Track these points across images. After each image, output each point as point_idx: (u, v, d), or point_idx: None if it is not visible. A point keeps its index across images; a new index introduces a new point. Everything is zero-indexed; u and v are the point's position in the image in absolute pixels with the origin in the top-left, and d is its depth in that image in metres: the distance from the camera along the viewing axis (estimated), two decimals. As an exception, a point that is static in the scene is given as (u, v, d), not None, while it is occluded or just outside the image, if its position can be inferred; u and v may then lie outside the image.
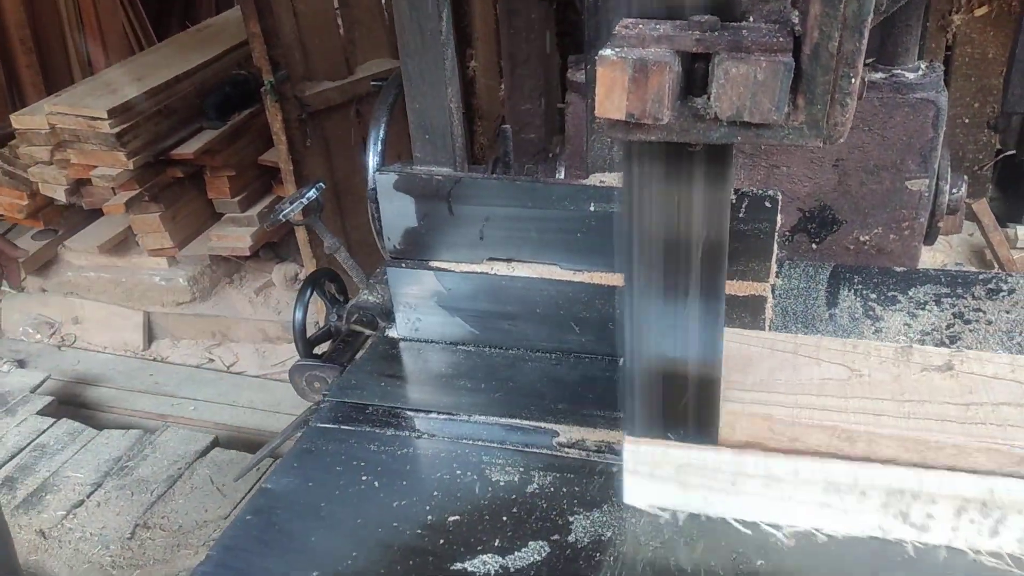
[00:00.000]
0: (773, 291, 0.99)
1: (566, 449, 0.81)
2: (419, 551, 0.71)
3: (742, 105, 0.54)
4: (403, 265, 0.96)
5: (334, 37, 2.67)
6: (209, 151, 2.80)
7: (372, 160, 1.33)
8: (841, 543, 0.65)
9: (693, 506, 0.68)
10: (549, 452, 0.81)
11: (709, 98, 0.56)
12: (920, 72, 1.08)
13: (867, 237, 1.10)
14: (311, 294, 1.16)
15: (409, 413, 0.89)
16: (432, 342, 0.99)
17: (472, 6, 2.28)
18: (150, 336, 3.15)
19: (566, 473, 0.78)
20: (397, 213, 0.92)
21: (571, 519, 0.72)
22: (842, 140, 0.57)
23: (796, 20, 0.56)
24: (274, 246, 3.21)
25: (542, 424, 0.84)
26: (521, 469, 0.79)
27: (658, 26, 0.56)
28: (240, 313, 3.11)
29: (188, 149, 2.76)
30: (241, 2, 2.40)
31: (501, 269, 0.92)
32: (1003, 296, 0.95)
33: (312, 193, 1.09)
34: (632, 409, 0.74)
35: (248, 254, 2.98)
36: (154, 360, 3.08)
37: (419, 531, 0.73)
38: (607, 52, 0.55)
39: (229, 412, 2.72)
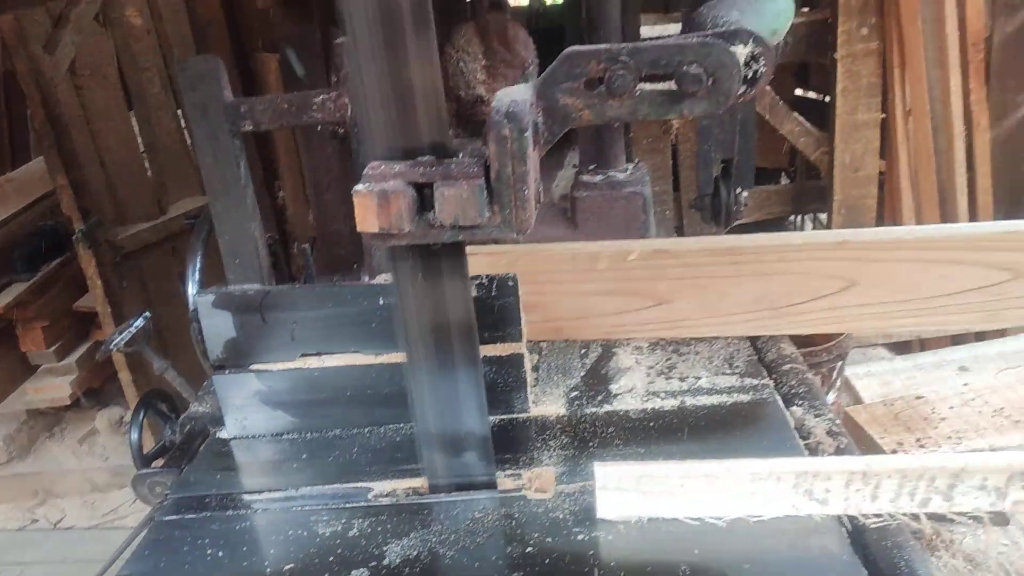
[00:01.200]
0: (539, 351, 1.24)
1: (380, 499, 0.99)
2: (263, 595, 0.86)
3: (458, 215, 0.79)
4: (227, 372, 1.12)
5: (143, 180, 2.79)
6: (20, 303, 2.79)
7: (192, 288, 1.49)
8: (766, 523, 0.87)
9: (653, 511, 0.88)
10: (366, 503, 0.98)
11: (435, 212, 0.80)
12: (628, 172, 1.41)
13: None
14: (143, 414, 1.28)
15: (245, 496, 1.04)
16: (259, 436, 1.15)
17: (276, 144, 2.50)
18: (-37, 505, 2.97)
19: (380, 516, 0.96)
20: (217, 328, 1.09)
21: (385, 548, 0.90)
22: (530, 230, 0.82)
23: (485, 154, 0.82)
24: (95, 392, 3.17)
25: (359, 484, 1.02)
26: (343, 520, 0.96)
27: (395, 166, 0.80)
28: (64, 466, 3.02)
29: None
30: (46, 157, 2.49)
31: (313, 363, 1.11)
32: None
33: (140, 322, 1.23)
34: (431, 461, 0.95)
35: (69, 403, 2.93)
36: (-31, 531, 2.90)
37: (262, 579, 0.88)
38: (360, 187, 0.78)
39: (62, 569, 2.62)
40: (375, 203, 0.78)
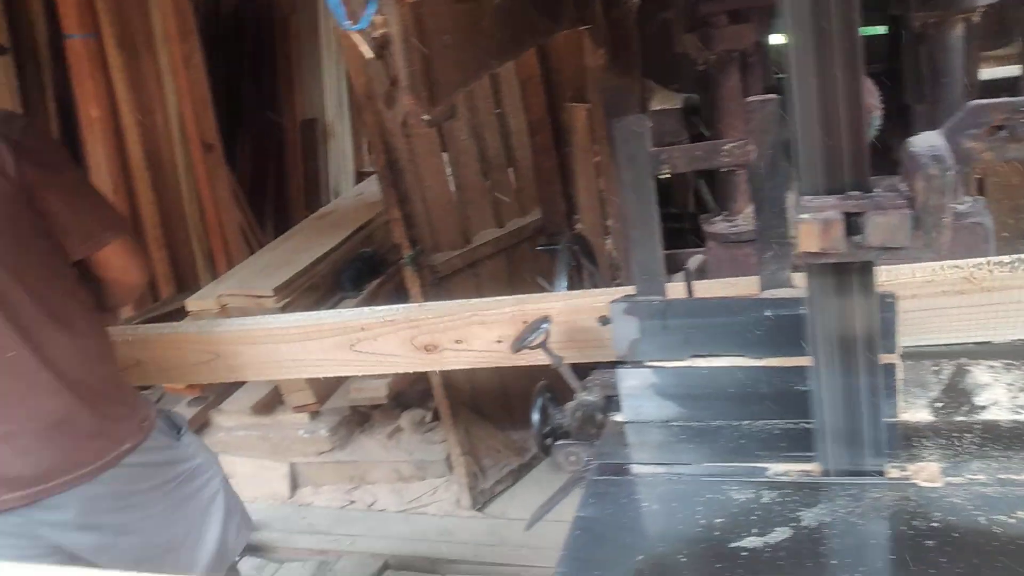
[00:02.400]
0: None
1: (779, 477, 1.19)
2: (703, 539, 1.08)
3: (886, 239, 0.98)
4: (628, 366, 1.37)
5: (452, 214, 3.22)
6: (352, 316, 3.31)
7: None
8: None
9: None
10: (767, 479, 1.19)
11: (864, 235, 1.00)
12: (968, 204, 1.53)
13: (948, 324, 1.50)
14: (540, 402, 1.57)
15: (653, 467, 1.28)
16: (650, 422, 1.39)
17: (576, 181, 2.81)
18: (294, 485, 3.53)
19: (784, 490, 1.15)
20: (625, 330, 1.35)
21: (799, 514, 1.10)
22: (944, 252, 0.99)
23: (904, 189, 1.01)
24: (400, 395, 3.63)
25: (754, 464, 1.23)
26: (752, 491, 1.17)
27: (828, 199, 1.01)
28: (374, 457, 3.49)
29: (337, 316, 3.27)
30: (384, 194, 2.97)
31: (701, 363, 1.34)
32: None
33: (546, 325, 1.53)
34: (827, 450, 1.15)
35: (385, 402, 3.41)
36: (300, 506, 3.45)
37: (698, 529, 1.10)
38: (805, 216, 0.99)
39: (382, 543, 3.06)
40: (818, 229, 0.99)
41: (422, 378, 3.65)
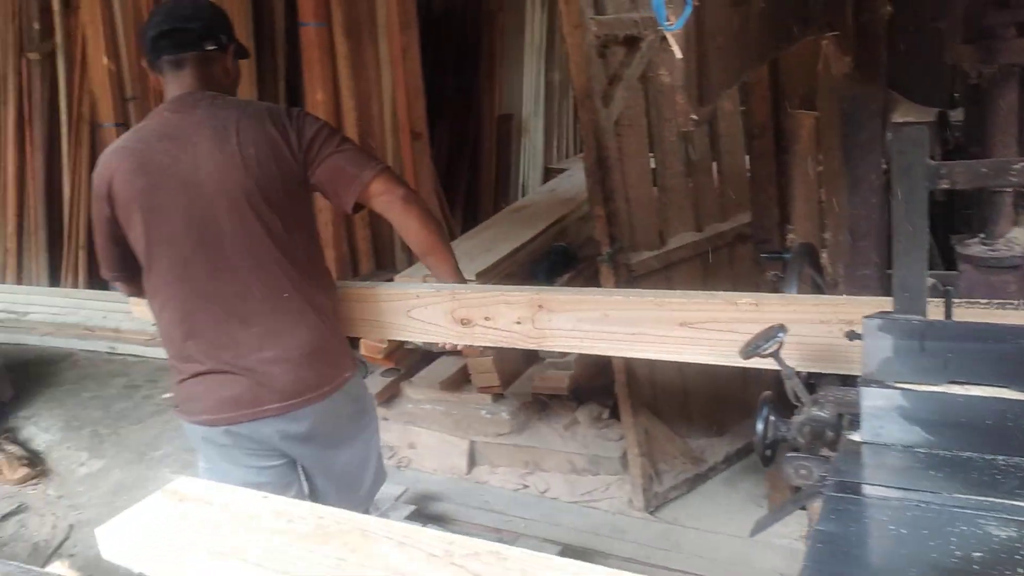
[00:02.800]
0: None
1: (1046, 518, 1.12)
2: (962, 572, 1.04)
3: None
4: (874, 386, 1.34)
5: (652, 217, 3.22)
6: (544, 307, 3.40)
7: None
8: None
9: None
10: (1031, 519, 1.12)
11: None
12: None
13: None
14: (767, 413, 1.55)
15: (895, 490, 1.24)
16: (892, 445, 1.34)
17: (794, 193, 2.73)
18: (472, 462, 3.67)
19: (1052, 532, 1.09)
20: (876, 348, 1.31)
21: (1073, 560, 1.03)
22: None
23: None
24: (578, 389, 3.68)
25: (1016, 503, 1.16)
26: (1014, 529, 1.11)
27: None
28: (550, 445, 3.57)
29: (531, 305, 3.37)
30: (590, 191, 3.02)
31: (958, 390, 1.28)
32: None
33: (782, 335, 1.51)
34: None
35: (566, 393, 3.47)
36: (477, 483, 3.58)
37: (954, 561, 1.06)
38: None
39: (555, 531, 3.12)
40: None
41: (602, 373, 3.69)
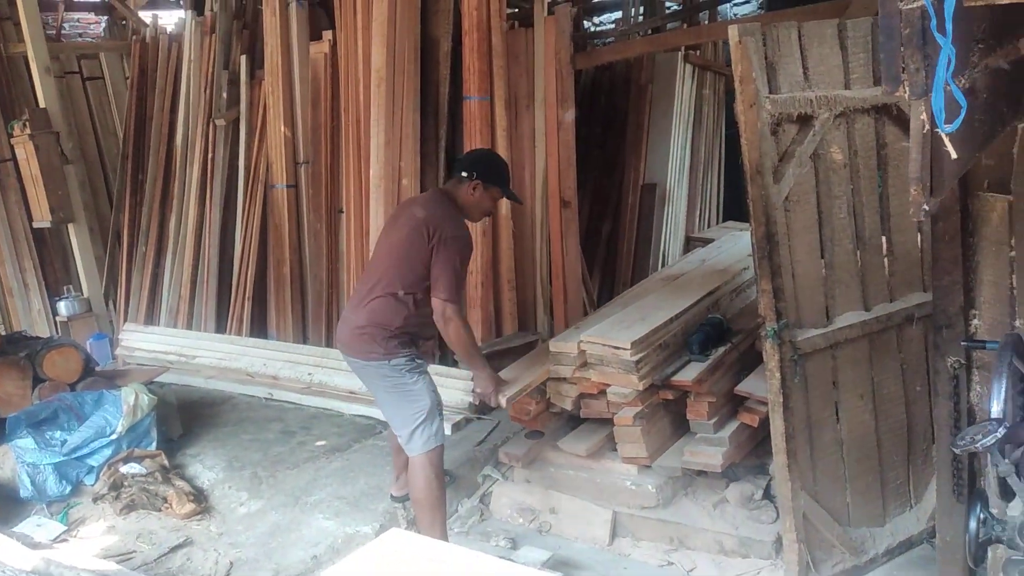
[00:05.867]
0: None
1: None
2: None
3: None
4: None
5: (819, 293, 3.16)
6: (699, 379, 3.37)
7: (996, 407, 1.68)
8: None
9: None
10: None
11: None
12: None
13: None
14: (980, 507, 1.49)
15: None
16: None
17: (980, 251, 2.62)
18: (614, 533, 3.63)
19: None
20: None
21: None
22: None
23: None
24: (731, 467, 3.59)
25: None
26: None
27: None
28: (697, 523, 3.48)
29: (686, 377, 3.36)
30: (758, 265, 3.01)
31: None
32: None
33: (1001, 430, 1.46)
34: None
35: (719, 470, 3.40)
36: (620, 555, 3.53)
37: None
38: None
39: (706, 613, 3.02)
40: None
41: (755, 452, 3.60)
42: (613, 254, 6.27)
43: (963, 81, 1.36)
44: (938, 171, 1.29)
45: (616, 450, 3.63)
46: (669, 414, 3.64)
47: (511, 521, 3.80)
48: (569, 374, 3.54)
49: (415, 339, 3.29)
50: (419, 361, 3.28)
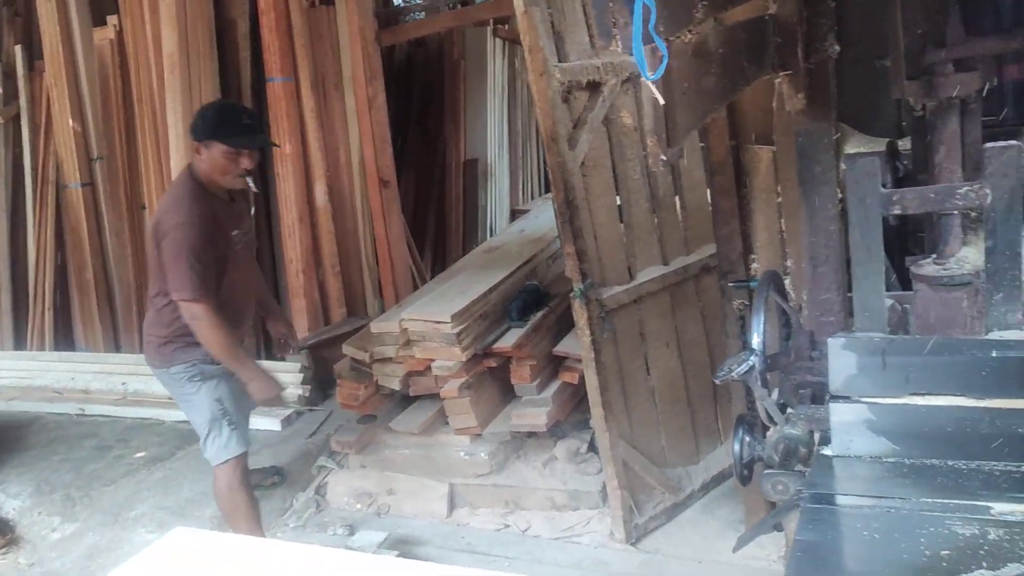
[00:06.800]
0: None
1: (1005, 516, 1.20)
2: (931, 569, 1.11)
3: None
4: (842, 402, 1.41)
5: (621, 252, 3.32)
6: (519, 345, 3.46)
7: (756, 338, 1.83)
8: None
9: None
10: (992, 517, 1.20)
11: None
12: None
13: None
14: (742, 432, 1.62)
15: (867, 498, 1.31)
16: (860, 457, 1.42)
17: (755, 225, 2.85)
18: (452, 504, 3.67)
19: (1013, 528, 1.16)
20: (842, 365, 1.39)
21: (1033, 553, 1.11)
22: None
23: None
24: (556, 425, 3.72)
25: (976, 503, 1.24)
26: (977, 527, 1.18)
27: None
28: (530, 483, 3.59)
29: (507, 344, 3.43)
30: (561, 230, 3.11)
31: (919, 401, 1.36)
32: None
33: (753, 359, 1.59)
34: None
35: (544, 430, 3.51)
36: (458, 526, 3.58)
37: (924, 560, 1.13)
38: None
39: (539, 569, 3.14)
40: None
41: (578, 409, 3.74)
42: (442, 231, 6.28)
43: (688, 36, 1.45)
44: (672, 123, 1.38)
45: (448, 423, 3.66)
46: (496, 382, 3.70)
47: (348, 508, 3.76)
48: (394, 354, 3.53)
49: (197, 343, 2.92)
50: (205, 367, 2.96)
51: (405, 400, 3.85)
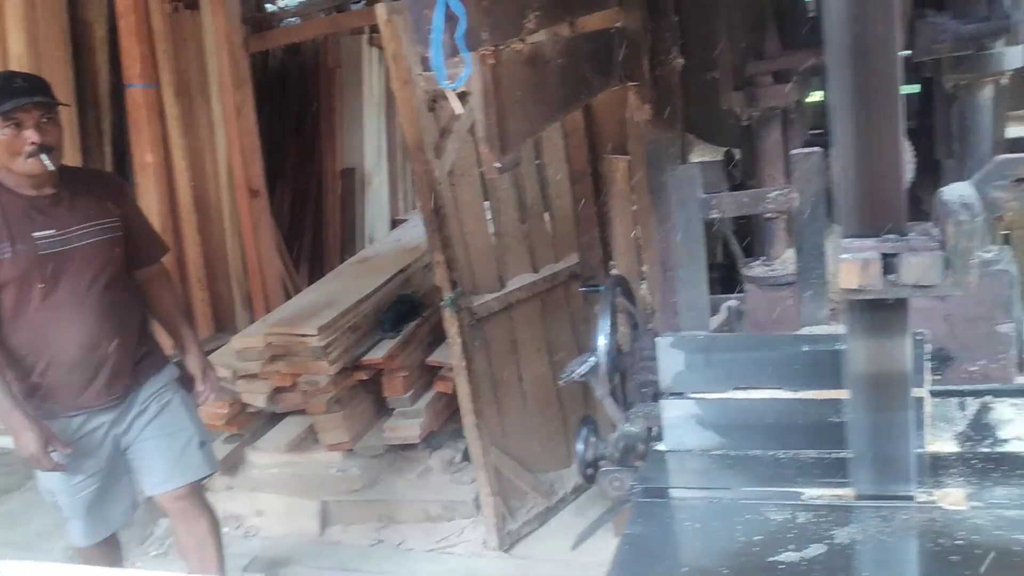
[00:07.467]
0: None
1: (813, 500, 1.27)
2: (744, 554, 1.16)
3: (919, 276, 1.08)
4: (671, 398, 1.46)
5: (491, 260, 3.34)
6: (390, 356, 3.42)
7: (603, 340, 1.87)
8: None
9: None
10: (803, 502, 1.26)
11: (898, 274, 1.09)
12: (994, 252, 1.62)
13: (975, 368, 1.58)
14: (585, 432, 1.65)
15: (694, 490, 1.36)
16: (691, 451, 1.47)
17: (614, 228, 2.93)
18: (324, 522, 3.59)
19: (820, 511, 1.23)
20: (670, 362, 1.44)
21: (833, 532, 1.18)
22: (972, 290, 1.08)
23: (936, 233, 1.11)
24: (431, 436, 3.70)
25: (790, 489, 1.31)
26: (788, 512, 1.24)
27: (867, 240, 1.11)
28: (404, 496, 3.55)
29: (377, 355, 3.38)
30: (429, 239, 3.10)
31: (742, 395, 1.42)
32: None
33: (593, 359, 1.62)
34: (860, 475, 1.23)
35: (417, 442, 3.48)
36: (330, 544, 3.50)
37: (738, 545, 1.18)
38: (846, 255, 1.09)
39: (411, 581, 3.09)
40: (858, 267, 1.09)
41: (454, 418, 3.73)
42: (320, 242, 6.14)
43: (520, 45, 1.48)
44: (504, 131, 1.39)
45: (319, 439, 3.57)
46: (369, 394, 3.65)
47: (217, 530, 3.59)
48: (259, 369, 3.41)
49: (34, 389, 2.37)
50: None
51: (274, 417, 3.73)
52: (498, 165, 1.40)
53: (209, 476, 2.72)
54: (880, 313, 1.15)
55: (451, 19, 1.20)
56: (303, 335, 3.28)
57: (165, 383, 2.61)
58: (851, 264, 1.09)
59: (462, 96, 1.51)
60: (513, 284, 3.37)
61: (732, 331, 1.79)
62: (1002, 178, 1.10)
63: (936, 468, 1.30)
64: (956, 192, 1.09)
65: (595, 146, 2.81)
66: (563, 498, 3.48)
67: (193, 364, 2.71)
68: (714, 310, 2.03)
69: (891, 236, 1.11)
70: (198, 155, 4.64)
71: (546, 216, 3.55)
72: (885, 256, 1.10)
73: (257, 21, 5.70)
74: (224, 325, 4.78)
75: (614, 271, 2.94)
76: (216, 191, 4.73)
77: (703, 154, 2.37)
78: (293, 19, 6.42)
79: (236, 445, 3.68)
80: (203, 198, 4.68)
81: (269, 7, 6.61)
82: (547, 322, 3.48)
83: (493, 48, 1.36)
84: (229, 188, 4.72)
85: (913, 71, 1.79)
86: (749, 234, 2.21)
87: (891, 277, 1.10)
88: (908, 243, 1.09)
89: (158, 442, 2.54)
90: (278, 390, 3.48)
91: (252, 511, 3.62)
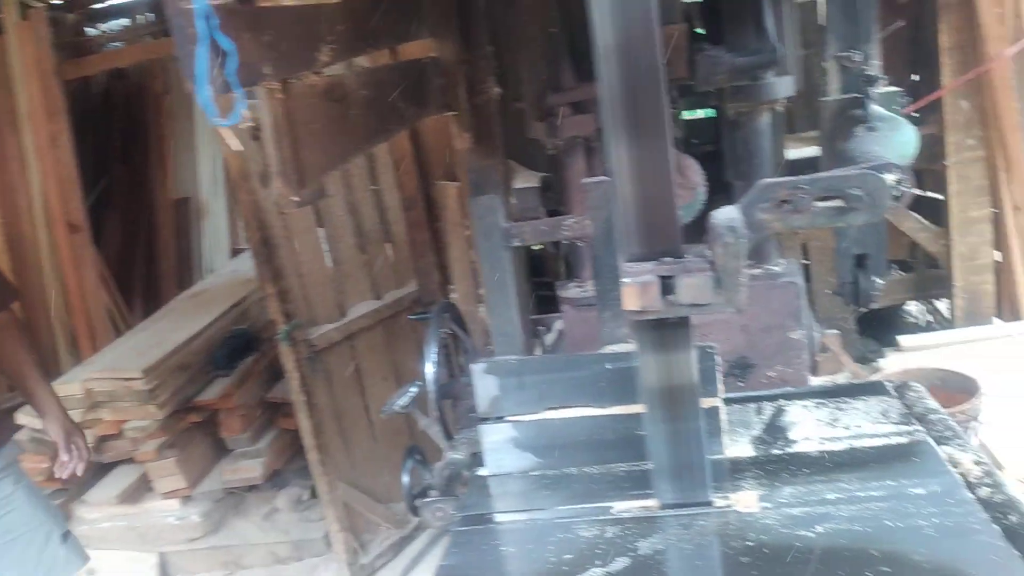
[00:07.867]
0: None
1: (622, 513, 1.31)
2: (553, 574, 1.18)
3: (694, 296, 1.14)
4: (489, 422, 1.48)
5: (330, 290, 3.28)
6: (225, 395, 3.27)
7: (430, 367, 1.87)
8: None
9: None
10: (612, 516, 1.31)
11: (676, 295, 1.16)
12: (783, 266, 1.76)
13: (773, 373, 1.70)
14: (409, 463, 1.64)
15: (512, 514, 1.38)
16: (511, 473, 1.49)
17: (450, 251, 2.95)
18: (165, 574, 3.38)
19: (626, 524, 1.28)
20: (486, 388, 1.46)
21: (637, 544, 1.22)
22: (745, 309, 1.16)
23: (709, 255, 1.18)
24: (276, 474, 3.57)
25: (601, 504, 1.35)
26: (597, 528, 1.28)
27: (646, 264, 1.17)
28: (250, 540, 3.41)
29: (210, 395, 3.22)
30: (259, 270, 3.01)
31: (554, 414, 1.46)
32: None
33: (414, 389, 1.62)
34: (661, 486, 1.28)
35: (260, 482, 3.35)
36: (171, 597, 3.29)
37: (548, 566, 1.20)
38: (627, 279, 1.15)
39: (257, 629, 2.96)
40: (638, 290, 1.15)
41: (299, 455, 3.61)
42: (154, 276, 5.80)
43: (314, 77, 1.46)
44: (300, 165, 1.37)
45: (154, 488, 3.36)
46: (207, 436, 3.47)
47: (40, 597, 3.29)
48: (80, 418, 3.17)
49: None
50: None
51: (103, 468, 3.48)
52: (296, 199, 1.37)
53: (81, 569, 2.41)
54: (664, 331, 1.22)
55: (223, 55, 1.17)
56: (127, 378, 3.08)
57: (3, 468, 2.22)
58: (632, 288, 1.14)
59: (255, 131, 1.46)
60: (355, 312, 3.32)
61: (560, 349, 1.84)
62: (765, 201, 1.19)
63: (734, 472, 1.38)
64: (724, 215, 1.16)
65: (427, 173, 2.82)
66: (417, 526, 3.44)
67: (53, 429, 2.36)
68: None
69: (668, 259, 1.17)
70: (9, 190, 4.30)
71: (387, 243, 3.52)
72: (663, 278, 1.16)
73: (75, 46, 5.35)
74: (47, 370, 4.41)
75: (454, 295, 2.95)
76: (31, 227, 4.39)
77: (527, 180, 2.44)
78: (117, 43, 6.07)
79: (62, 500, 3.41)
80: (17, 236, 4.33)
81: (90, 31, 6.23)
82: (392, 349, 3.45)
83: (282, 82, 1.33)
84: (46, 223, 4.39)
85: (705, 97, 1.91)
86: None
87: (670, 297, 1.16)
88: (683, 265, 1.16)
89: (5, 550, 2.17)
90: (103, 439, 3.25)
91: (83, 570, 3.35)
